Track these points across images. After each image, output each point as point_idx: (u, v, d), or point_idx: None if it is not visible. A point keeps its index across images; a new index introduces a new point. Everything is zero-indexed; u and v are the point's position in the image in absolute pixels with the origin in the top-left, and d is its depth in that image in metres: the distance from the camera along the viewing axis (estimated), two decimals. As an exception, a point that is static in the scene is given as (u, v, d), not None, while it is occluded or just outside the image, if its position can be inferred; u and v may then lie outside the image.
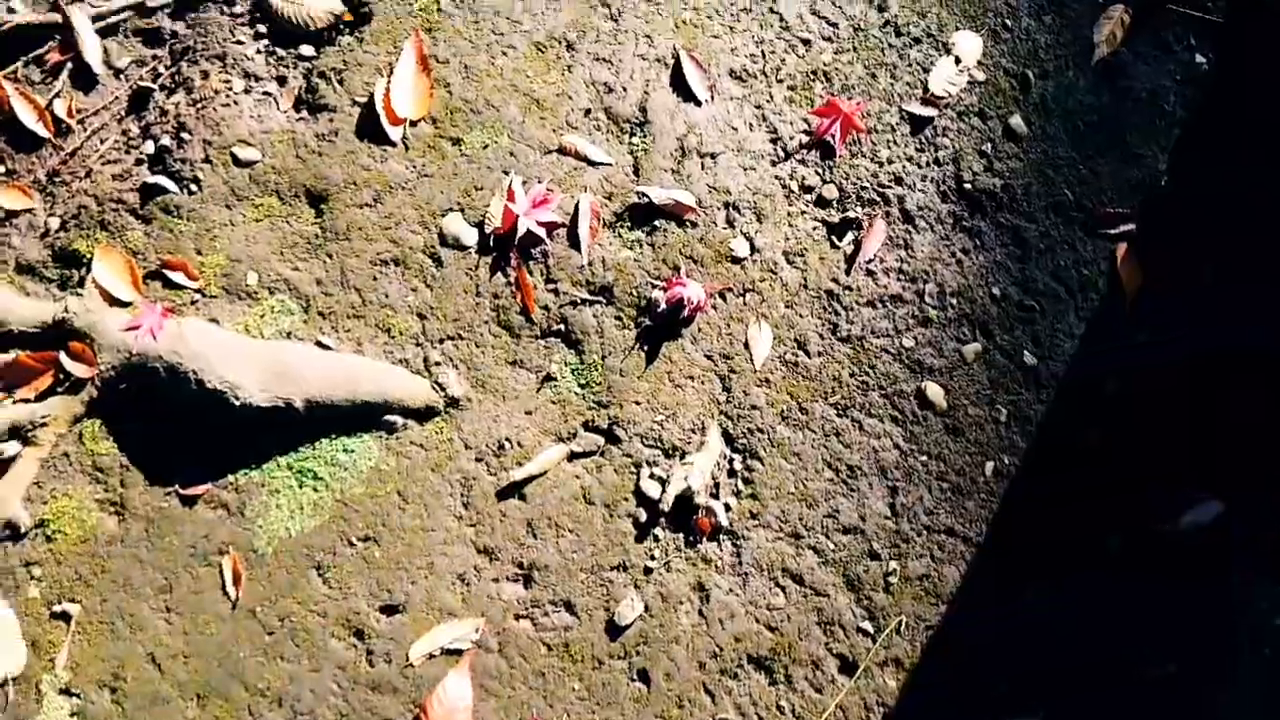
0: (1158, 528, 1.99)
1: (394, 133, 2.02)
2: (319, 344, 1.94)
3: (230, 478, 1.88)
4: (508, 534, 1.89)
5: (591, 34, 2.10)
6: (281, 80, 2.08)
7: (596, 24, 2.11)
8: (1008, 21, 2.20)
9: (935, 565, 1.94)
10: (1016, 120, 2.15)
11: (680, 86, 2.09)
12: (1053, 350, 2.05)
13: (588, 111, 2.06)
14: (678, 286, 1.96)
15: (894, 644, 1.91)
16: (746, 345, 2.00)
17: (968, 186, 2.11)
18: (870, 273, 2.05)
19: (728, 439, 1.97)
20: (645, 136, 2.06)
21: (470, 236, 1.99)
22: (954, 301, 2.06)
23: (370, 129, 2.03)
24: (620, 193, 2.03)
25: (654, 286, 1.99)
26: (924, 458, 1.98)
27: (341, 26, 2.09)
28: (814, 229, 2.07)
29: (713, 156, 2.06)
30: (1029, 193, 2.13)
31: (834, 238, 2.07)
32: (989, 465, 2.00)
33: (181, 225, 1.99)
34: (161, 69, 2.14)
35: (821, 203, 2.08)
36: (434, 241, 2.00)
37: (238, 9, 2.14)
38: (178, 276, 1.96)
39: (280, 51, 2.10)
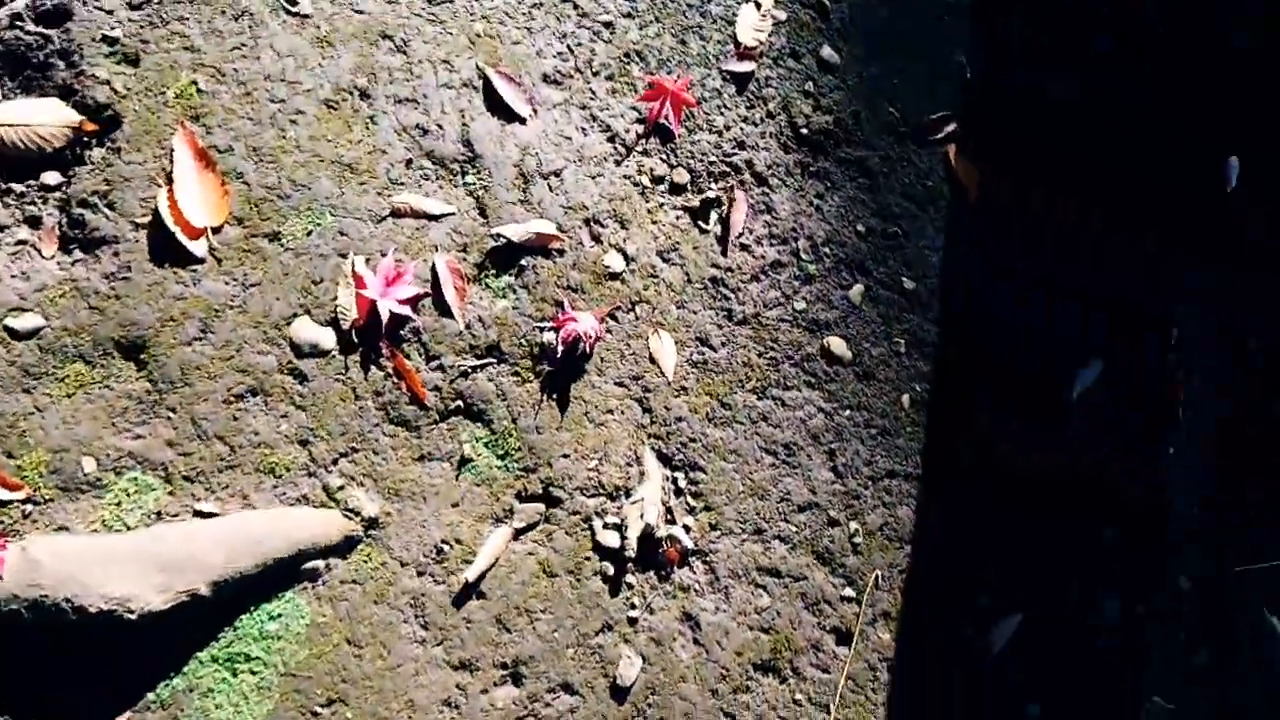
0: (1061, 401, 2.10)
1: (197, 247, 1.73)
2: (198, 513, 1.67)
3: (151, 696, 1.61)
4: (479, 639, 1.74)
5: (383, 75, 1.86)
6: (34, 222, 1.72)
7: (384, 62, 1.87)
8: (788, -49, 2.14)
9: (889, 511, 1.97)
10: (827, 51, 2.12)
11: (498, 107, 1.90)
12: (924, 269, 2.08)
13: (409, 162, 1.84)
14: (568, 323, 1.82)
15: (877, 600, 1.93)
16: (652, 359, 1.90)
17: (804, 131, 2.07)
18: (744, 247, 1.99)
19: (664, 460, 1.89)
20: (479, 172, 1.87)
21: (327, 338, 1.76)
22: (827, 250, 2.04)
23: (167, 251, 1.72)
24: (474, 241, 1.85)
25: (542, 330, 1.84)
26: (848, 412, 1.98)
27: (86, 140, 1.74)
28: (678, 219, 1.97)
29: (556, 174, 1.90)
30: (859, 121, 2.12)
31: (700, 222, 1.98)
32: (904, 398, 2.03)
33: (-26, 430, 1.63)
34: None
35: (676, 189, 1.98)
36: (288, 356, 1.75)
37: (-60, 148, 1.73)
38: (-6, 492, 1.62)
39: (17, 188, 1.73)
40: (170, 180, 1.73)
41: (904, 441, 2.01)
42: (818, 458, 1.95)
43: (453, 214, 1.85)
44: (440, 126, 1.87)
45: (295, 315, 1.76)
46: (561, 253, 1.88)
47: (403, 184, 1.84)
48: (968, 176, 2.18)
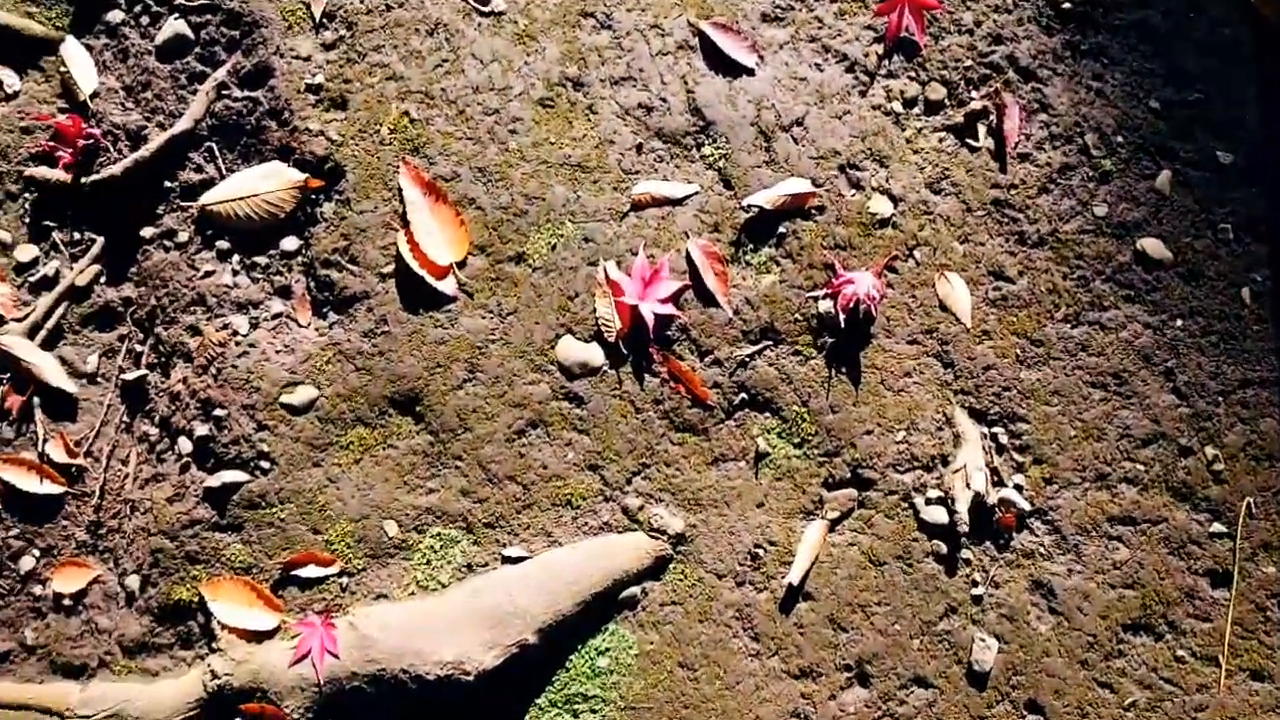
0: None
1: (446, 286, 1.64)
2: (506, 559, 1.61)
3: (500, 751, 1.58)
4: (816, 643, 1.61)
5: (593, 57, 1.70)
6: (284, 292, 1.68)
7: (591, 42, 1.70)
8: None
9: (1250, 427, 1.69)
10: (1076, -97, 1.79)
11: (720, 63, 1.70)
12: (1239, 134, 1.75)
13: (639, 147, 1.68)
14: (844, 285, 1.63)
15: (1253, 530, 1.67)
16: (944, 307, 1.68)
17: (1066, 5, 1.76)
18: (1024, 156, 1.72)
19: (979, 416, 1.68)
20: (715, 140, 1.68)
21: (595, 355, 1.64)
22: (1120, 139, 1.74)
23: (418, 295, 1.65)
24: (724, 217, 1.68)
25: (816, 299, 1.66)
26: (1179, 321, 1.70)
27: (314, 197, 1.68)
28: (942, 142, 1.72)
29: (799, 123, 1.69)
30: (1131, -23, 1.78)
31: (968, 140, 1.73)
32: (1244, 292, 1.72)
33: (278, 512, 1.62)
34: (138, 347, 1.73)
35: (933, 108, 1.73)
36: (559, 381, 1.64)
37: (181, 237, 1.71)
38: (310, 570, 1.61)
39: (261, 260, 1.69)
40: (405, 222, 1.64)
41: (1252, 343, 1.71)
42: (1154, 381, 1.69)
43: (696, 193, 1.68)
44: (664, 100, 1.69)
45: (558, 336, 1.65)
46: (821, 209, 1.68)
47: (637, 172, 1.68)
48: (1272, 8, 1.81)
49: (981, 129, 1.73)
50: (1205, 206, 1.74)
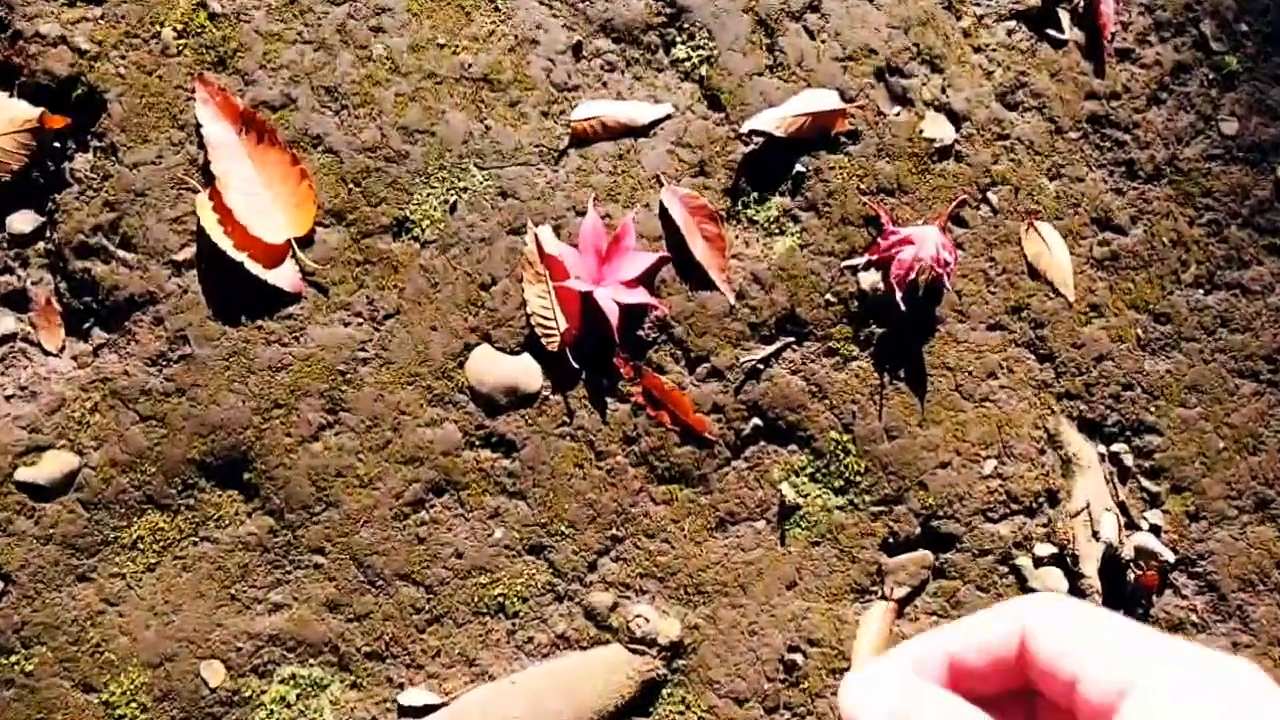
0: None
1: (283, 277, 1.03)
2: (407, 710, 1.01)
3: None
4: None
5: (497, -88, 1.10)
6: (17, 301, 1.04)
7: (493, -110, 1.10)
8: None
9: None
10: None
11: (692, -79, 1.12)
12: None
13: (577, 48, 1.09)
14: (896, 248, 1.08)
15: None
16: (1034, 271, 1.15)
17: None
18: (1124, 53, 1.20)
19: (1092, 429, 1.15)
20: (693, 36, 1.11)
21: (530, 371, 1.05)
22: (1244, 26, 1.23)
23: (238, 294, 1.03)
24: (714, 151, 1.10)
25: (855, 270, 1.10)
26: (1344, 278, 1.21)
27: (59, 144, 1.04)
28: (1013, 35, 1.19)
29: (814, 7, 1.13)
30: None
31: (1050, 30, 1.19)
32: None
33: (21, 664, 0.98)
34: None
35: (997, -13, 1.19)
36: (476, 418, 1.05)
37: None
38: (80, 755, 0.98)
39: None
40: (210, 177, 1.02)
41: None
42: (1319, 362, 1.20)
43: (669, 115, 1.10)
44: (610, -24, 1.10)
45: (468, 348, 1.05)
46: (856, 136, 1.12)
47: (577, 87, 1.09)
48: None
49: (1065, 15, 1.20)
50: (1358, 118, 1.24)
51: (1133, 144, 1.19)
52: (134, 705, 0.99)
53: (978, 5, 1.19)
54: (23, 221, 1.05)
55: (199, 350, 1.02)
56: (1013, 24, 1.19)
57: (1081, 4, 1.20)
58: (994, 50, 1.18)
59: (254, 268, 1.02)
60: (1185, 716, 0.32)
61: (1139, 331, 1.17)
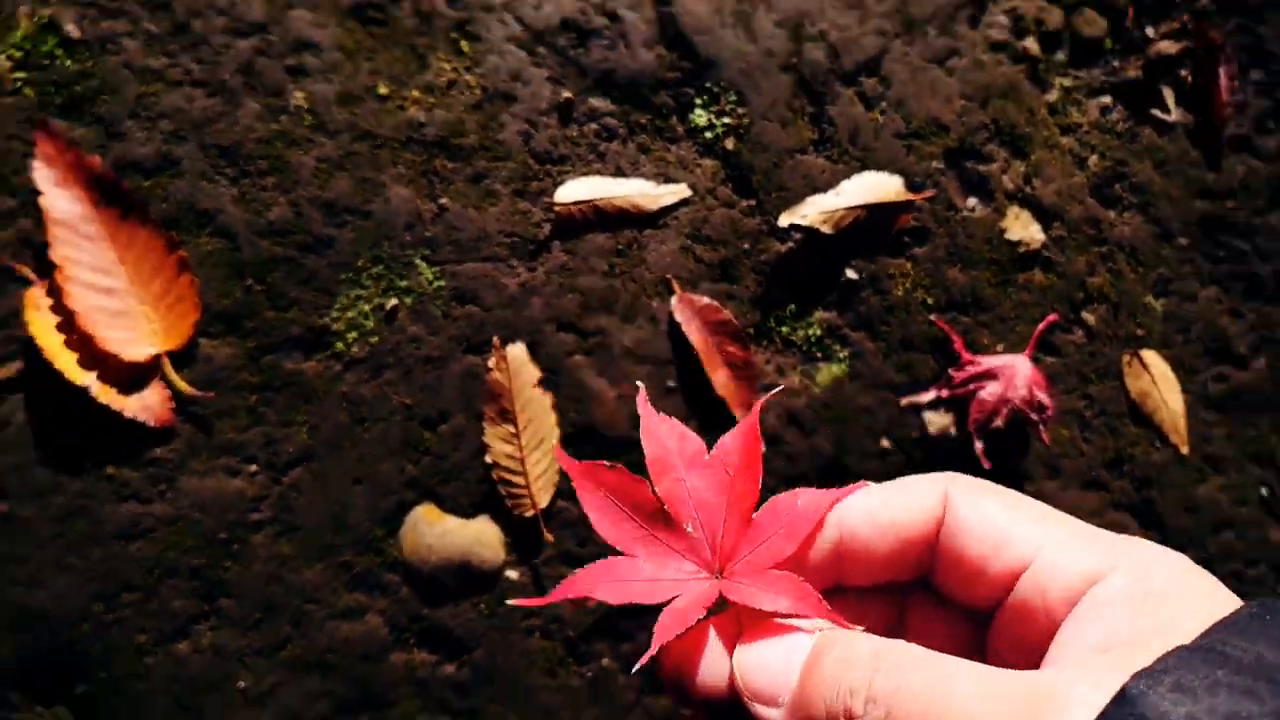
0: None
1: (144, 404, 0.74)
2: None
3: None
4: None
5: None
6: None
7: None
8: None
9: None
10: None
11: (718, -49, 0.87)
12: None
13: (566, 109, 0.82)
14: (980, 383, 0.82)
15: None
16: (1137, 415, 0.90)
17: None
18: (1242, 141, 0.97)
19: (1212, 619, 0.89)
20: (717, 98, 0.85)
21: (489, 540, 0.78)
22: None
23: (84, 429, 0.73)
24: (741, 247, 0.84)
25: (919, 409, 0.84)
26: None
27: None
28: (1108, 116, 0.95)
29: (870, 67, 0.88)
30: None
31: (1154, 112, 0.96)
32: None
33: None
34: None
35: (1088, 52, 0.95)
36: (411, 605, 0.76)
37: None
38: None
39: None
40: (48, 265, 0.73)
41: None
42: None
43: (685, 200, 0.83)
44: (613, 18, 0.84)
45: (405, 508, 0.76)
46: (921, 235, 0.87)
47: (564, 158, 0.82)
48: None
49: (1168, 91, 0.96)
50: None
51: (1253, 255, 0.95)
52: None
53: (1066, 74, 0.94)
54: None
55: (20, 510, 0.72)
56: (1108, 99, 0.95)
57: (1193, 76, 0.97)
58: (1086, 132, 0.94)
59: (104, 394, 0.72)
60: (1163, 606, 0.33)
61: (1264, 491, 0.92)
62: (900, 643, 0.35)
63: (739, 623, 0.39)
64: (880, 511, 0.39)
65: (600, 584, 0.42)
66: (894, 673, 0.34)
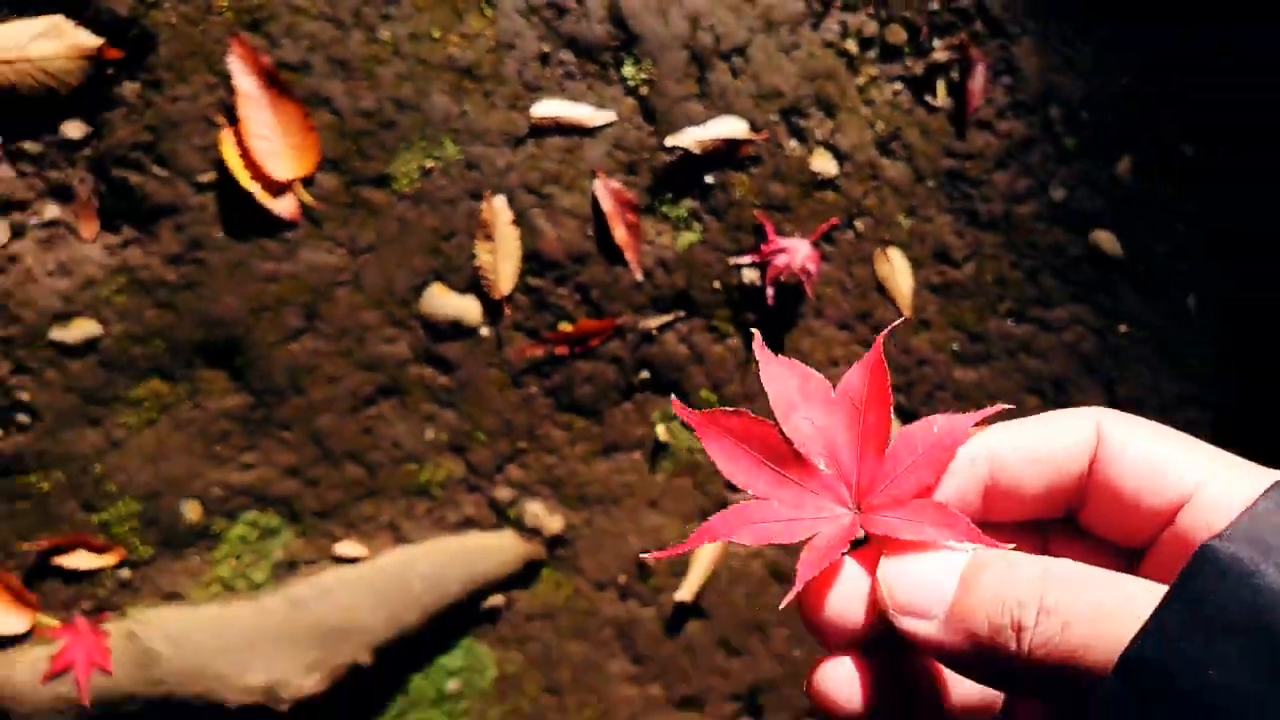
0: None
1: (284, 207, 1.28)
2: (339, 558, 1.29)
3: (317, 790, 1.28)
4: (704, 667, 1.38)
5: (496, -65, 1.35)
6: (63, 193, 1.28)
7: (495, -84, 1.35)
8: None
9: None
10: None
11: (653, -34, 1.38)
12: (1199, 121, 1.58)
13: (544, 57, 1.35)
14: (775, 254, 1.37)
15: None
16: (882, 288, 1.45)
17: (1045, -47, 1.53)
18: (984, 124, 1.50)
19: (907, 417, 1.47)
20: (640, 60, 1.38)
21: (472, 310, 1.33)
22: (1085, 114, 1.54)
23: (246, 216, 1.28)
24: (643, 156, 1.38)
25: (741, 267, 1.39)
26: (1124, 327, 1.54)
27: (112, 72, 1.27)
28: (897, 95, 1.47)
29: (740, 51, 1.40)
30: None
31: (926, 96, 1.48)
32: (1190, 299, 1.57)
33: (39, 481, 1.25)
34: None
35: (891, 54, 1.47)
36: (424, 340, 1.32)
37: (-80, 103, 1.27)
38: (78, 559, 1.25)
39: (31, 147, 1.27)
40: (234, 118, 1.27)
41: (1194, 359, 1.57)
42: (1093, 390, 1.52)
43: (612, 123, 1.37)
44: (581, 2, 1.36)
45: (425, 284, 1.32)
46: (757, 160, 1.41)
47: (541, 88, 1.35)
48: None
49: (941, 86, 1.49)
50: (1162, 201, 1.56)
51: (977, 197, 1.49)
52: (125, 526, 1.26)
53: (874, 66, 1.47)
54: (74, 129, 1.28)
55: (209, 256, 1.28)
56: (899, 86, 1.48)
57: (956, 77, 1.49)
58: (880, 106, 1.47)
59: (262, 196, 1.27)
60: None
61: (956, 346, 1.49)
62: (1067, 560, 0.34)
63: (879, 556, 0.38)
64: (1033, 445, 0.37)
65: (738, 528, 0.43)
66: (1068, 586, 0.33)
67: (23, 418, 1.24)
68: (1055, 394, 1.51)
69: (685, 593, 1.37)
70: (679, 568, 1.39)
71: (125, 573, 1.26)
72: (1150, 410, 1.53)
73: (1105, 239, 1.53)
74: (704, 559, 1.39)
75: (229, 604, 1.25)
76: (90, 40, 1.25)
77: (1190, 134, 1.58)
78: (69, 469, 1.25)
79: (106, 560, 1.25)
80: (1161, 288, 1.55)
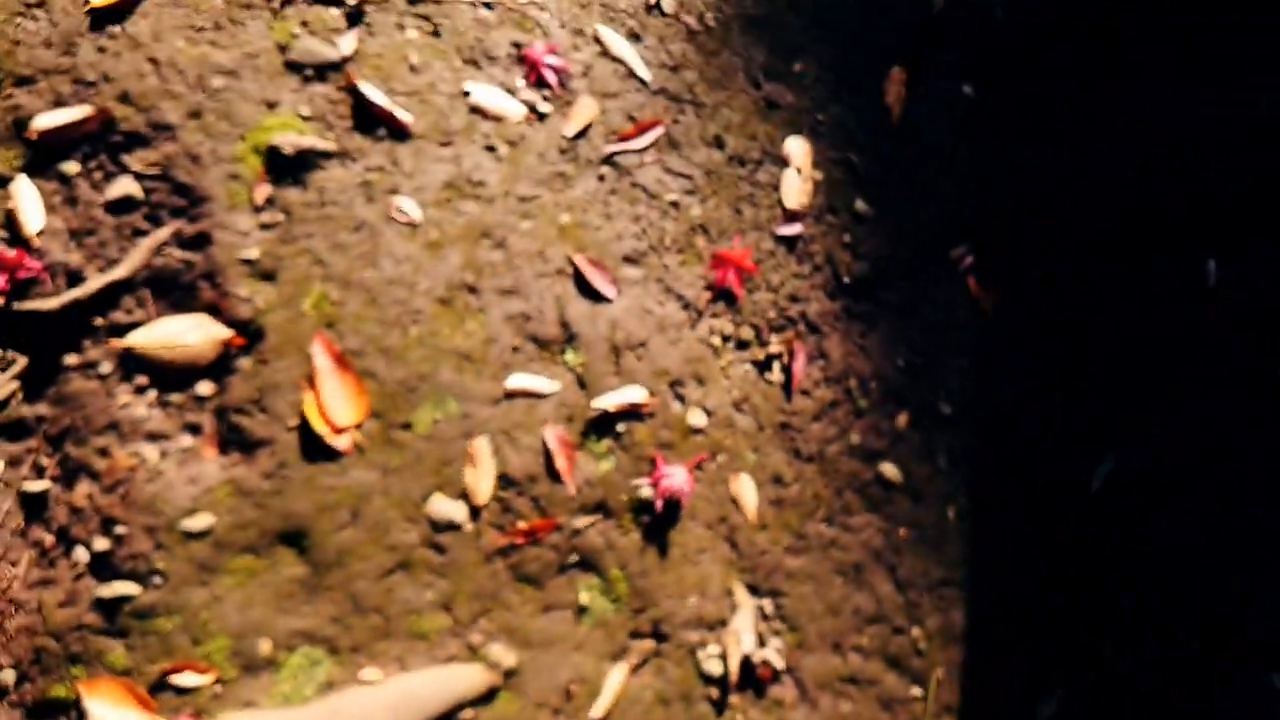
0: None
1: (342, 442, 1.97)
2: (361, 681, 1.91)
3: (337, 847, 1.85)
4: (610, 765, 2.00)
5: (488, 270, 2.11)
6: (195, 430, 1.95)
7: (487, 258, 2.12)
8: (818, 115, 2.42)
9: (944, 615, 2.26)
10: (860, 204, 2.40)
11: (587, 290, 2.15)
12: (952, 389, 2.37)
13: (515, 348, 2.09)
14: (663, 478, 2.08)
15: (942, 693, 2.22)
16: (735, 501, 2.17)
17: (846, 280, 2.35)
18: (805, 392, 2.27)
19: (753, 590, 2.16)
20: (578, 350, 2.12)
21: (460, 513, 2.00)
22: (874, 385, 2.32)
23: (316, 448, 1.96)
24: (578, 412, 2.10)
25: (639, 486, 2.10)
26: (903, 529, 2.27)
27: (234, 352, 1.97)
28: (747, 373, 2.24)
29: (643, 344, 2.16)
30: (893, 261, 2.40)
31: (766, 374, 2.25)
32: (950, 510, 2.32)
33: (163, 624, 1.86)
34: (44, 461, 1.94)
35: (743, 345, 2.25)
36: (427, 532, 1.99)
37: (104, 369, 1.95)
38: (186, 678, 1.85)
39: (176, 399, 1.95)
40: (313, 384, 1.97)
41: (952, 550, 2.30)
42: (881, 574, 2.23)
43: (558, 390, 2.10)
44: (540, 312, 2.12)
45: (430, 494, 2.00)
46: (652, 414, 2.14)
47: (511, 367, 2.08)
48: (979, 293, 2.47)
49: (777, 366, 2.26)
50: (928, 443, 2.33)
51: (800, 440, 2.25)
52: (220, 655, 1.88)
53: (731, 353, 2.24)
54: (205, 387, 1.97)
55: (290, 473, 1.95)
56: (748, 366, 2.25)
57: (786, 361, 2.27)
58: (735, 380, 2.23)
59: (328, 435, 1.96)
60: None
61: (787, 541, 2.20)
62: None
63: None
64: None
65: None
66: None
67: (157, 580, 1.87)
68: (855, 574, 2.22)
69: (598, 710, 2.00)
70: (595, 691, 2.03)
71: (218, 688, 1.86)
72: (921, 588, 2.25)
73: (889, 469, 2.28)
74: (612, 686, 2.03)
75: (287, 711, 1.86)
76: (223, 332, 1.96)
77: (945, 392, 2.36)
78: (184, 615, 1.87)
79: (205, 679, 1.86)
80: (929, 502, 2.30)
